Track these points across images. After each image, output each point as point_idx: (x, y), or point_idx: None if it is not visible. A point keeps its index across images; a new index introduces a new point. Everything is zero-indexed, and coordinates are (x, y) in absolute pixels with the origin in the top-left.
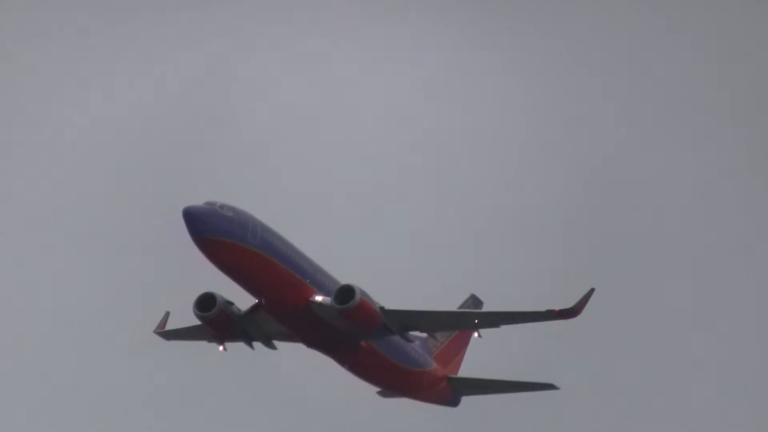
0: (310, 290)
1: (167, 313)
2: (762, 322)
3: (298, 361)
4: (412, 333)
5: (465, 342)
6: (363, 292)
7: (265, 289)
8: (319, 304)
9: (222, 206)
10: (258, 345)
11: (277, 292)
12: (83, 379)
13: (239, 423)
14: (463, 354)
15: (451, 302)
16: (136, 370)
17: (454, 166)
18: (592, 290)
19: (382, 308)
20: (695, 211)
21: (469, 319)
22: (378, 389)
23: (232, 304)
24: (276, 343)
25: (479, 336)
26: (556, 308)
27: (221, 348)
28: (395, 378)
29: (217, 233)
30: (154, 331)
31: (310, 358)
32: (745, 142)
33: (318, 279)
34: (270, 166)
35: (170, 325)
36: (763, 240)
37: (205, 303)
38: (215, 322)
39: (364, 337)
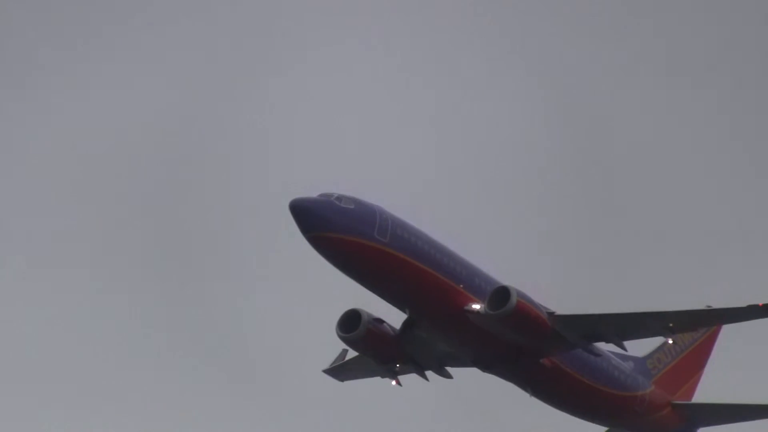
0: (464, 297)
1: (344, 351)
2: None
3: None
4: (603, 346)
5: (698, 364)
6: (522, 294)
7: (406, 298)
8: (477, 313)
9: (339, 197)
10: (432, 376)
11: (422, 301)
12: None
13: None
14: (698, 378)
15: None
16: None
17: None
18: None
19: (551, 314)
20: None
21: (661, 321)
22: (606, 428)
23: (382, 322)
24: (451, 371)
25: (672, 342)
26: (761, 303)
27: (394, 383)
28: (593, 403)
29: (335, 229)
30: (324, 371)
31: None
32: None
33: (476, 283)
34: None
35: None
36: None
37: (351, 323)
38: (364, 344)
39: (541, 352)
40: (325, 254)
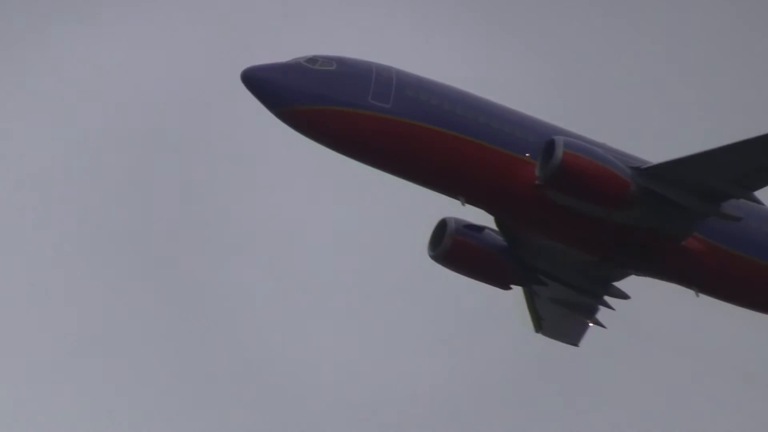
0: (531, 167)
1: None
2: None
3: None
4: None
5: None
6: (575, 145)
7: (449, 183)
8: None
9: (314, 58)
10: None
11: (474, 186)
12: None
13: None
14: None
15: None
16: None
17: None
18: None
19: (636, 168)
20: None
21: None
22: None
23: (481, 229)
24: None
25: None
26: None
27: (590, 324)
28: None
29: (308, 99)
30: (538, 331)
31: None
32: None
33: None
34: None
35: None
36: None
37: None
38: (456, 260)
39: (663, 229)
40: (307, 135)
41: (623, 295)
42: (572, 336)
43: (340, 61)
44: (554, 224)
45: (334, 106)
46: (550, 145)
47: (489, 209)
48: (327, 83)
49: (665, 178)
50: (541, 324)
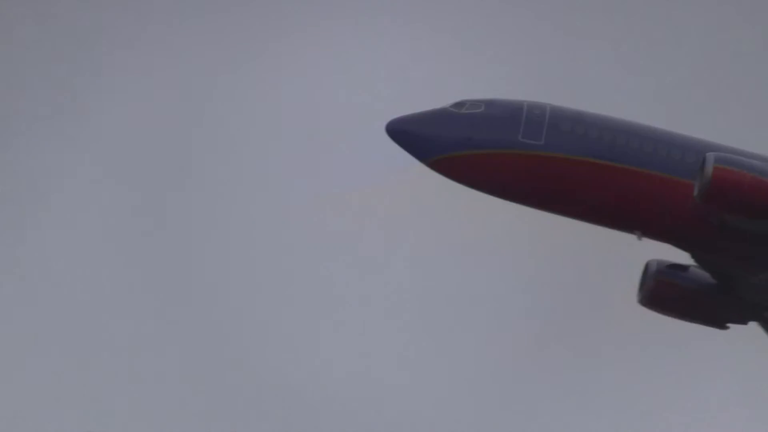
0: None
1: None
2: None
3: None
4: None
5: None
6: (729, 159)
7: (620, 216)
8: None
9: (461, 103)
10: None
11: (643, 214)
12: None
13: None
14: None
15: None
16: None
17: None
18: None
19: None
20: None
21: None
22: None
23: (686, 268)
24: None
25: None
26: None
27: None
28: None
29: (456, 146)
30: None
31: None
32: None
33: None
34: None
35: None
36: None
37: None
38: (663, 302)
39: None
40: (461, 182)
41: None
42: None
43: (489, 103)
44: (729, 247)
45: (483, 150)
46: (703, 163)
47: (666, 239)
48: (474, 127)
49: None
50: None
